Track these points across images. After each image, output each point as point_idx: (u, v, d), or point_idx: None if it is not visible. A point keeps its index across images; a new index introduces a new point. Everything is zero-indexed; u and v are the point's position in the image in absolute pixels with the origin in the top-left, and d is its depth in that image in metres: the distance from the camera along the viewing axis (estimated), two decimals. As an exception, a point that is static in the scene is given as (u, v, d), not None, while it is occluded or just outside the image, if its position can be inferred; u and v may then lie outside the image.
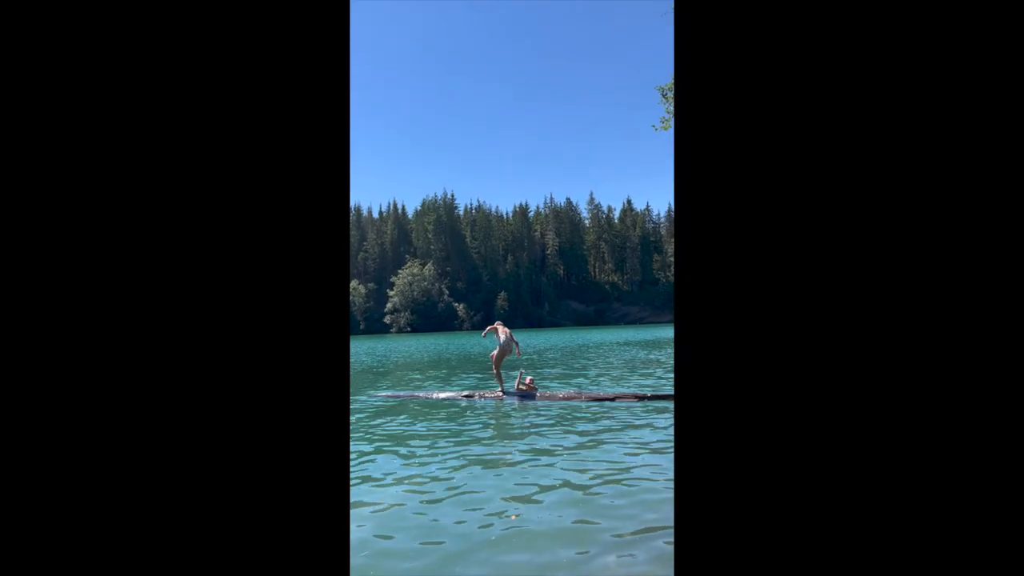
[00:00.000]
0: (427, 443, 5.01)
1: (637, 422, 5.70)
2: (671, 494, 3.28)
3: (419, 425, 5.92)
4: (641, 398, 7.17)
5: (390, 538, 2.80)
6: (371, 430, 5.71)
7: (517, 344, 8.04)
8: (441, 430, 5.61)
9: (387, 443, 5.06)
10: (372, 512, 3.20)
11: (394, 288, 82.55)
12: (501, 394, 7.64)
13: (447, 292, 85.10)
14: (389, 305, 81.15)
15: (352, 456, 4.60)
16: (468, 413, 6.60)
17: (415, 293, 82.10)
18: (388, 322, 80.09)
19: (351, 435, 5.50)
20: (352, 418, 6.43)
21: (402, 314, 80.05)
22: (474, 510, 3.18)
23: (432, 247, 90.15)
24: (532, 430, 5.45)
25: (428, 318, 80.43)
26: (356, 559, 2.52)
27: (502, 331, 7.94)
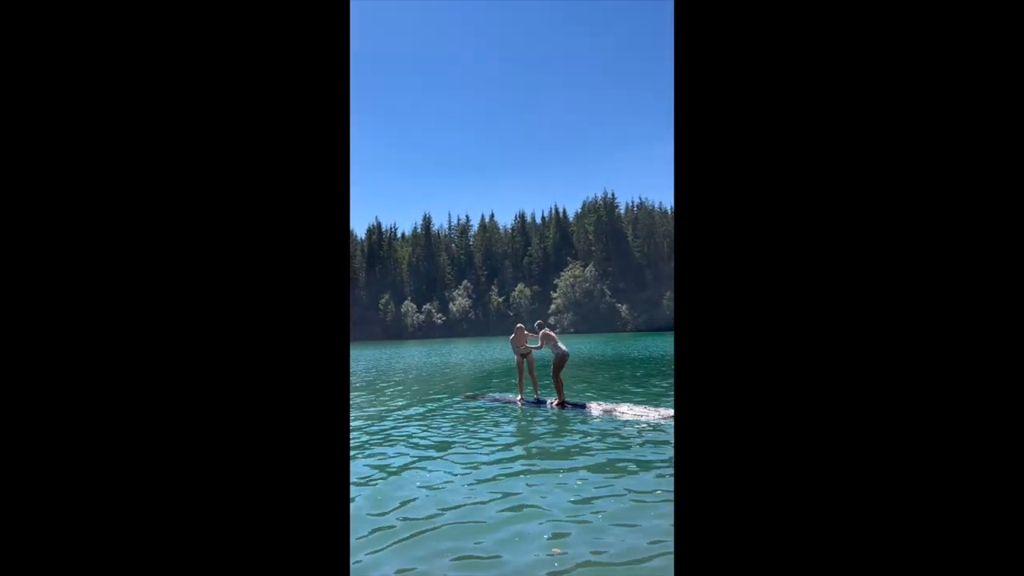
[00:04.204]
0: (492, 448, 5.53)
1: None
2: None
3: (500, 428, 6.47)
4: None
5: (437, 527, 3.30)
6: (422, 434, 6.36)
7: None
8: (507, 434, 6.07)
9: (458, 446, 5.66)
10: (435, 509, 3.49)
11: (557, 290, 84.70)
12: (560, 403, 7.54)
13: (608, 293, 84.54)
14: (552, 307, 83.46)
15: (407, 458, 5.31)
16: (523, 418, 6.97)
17: (577, 294, 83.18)
18: (552, 323, 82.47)
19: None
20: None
21: (565, 315, 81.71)
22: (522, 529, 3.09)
23: (592, 248, 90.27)
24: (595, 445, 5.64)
25: (590, 319, 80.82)
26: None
27: (552, 336, 7.73)
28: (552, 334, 7.79)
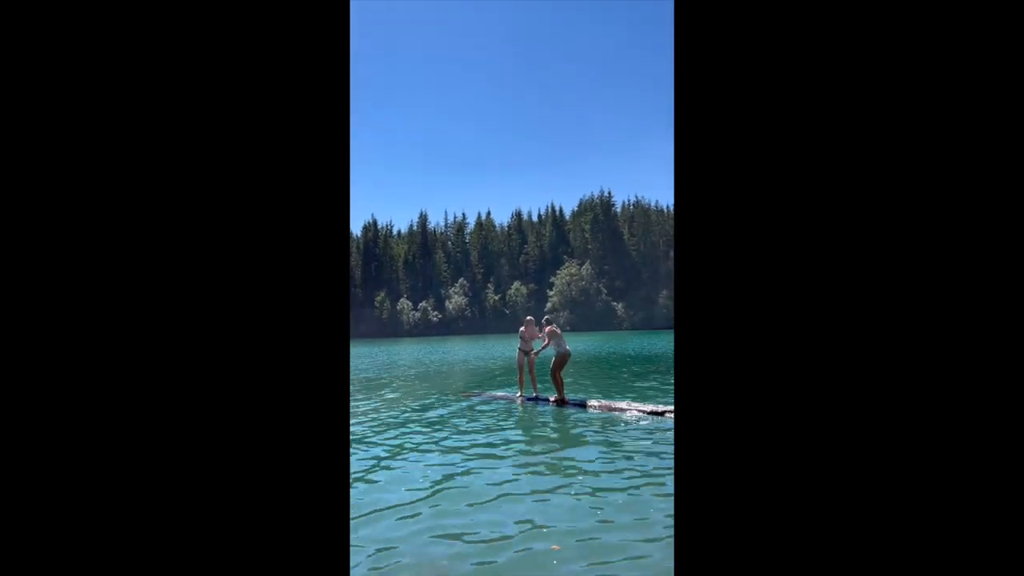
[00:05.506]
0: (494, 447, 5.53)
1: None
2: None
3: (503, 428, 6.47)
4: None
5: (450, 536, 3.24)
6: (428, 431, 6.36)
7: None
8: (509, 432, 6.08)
9: (464, 447, 5.66)
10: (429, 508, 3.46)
11: (553, 288, 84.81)
12: (561, 400, 7.56)
13: (605, 291, 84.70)
14: (549, 304, 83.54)
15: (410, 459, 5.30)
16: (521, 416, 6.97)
17: (573, 292, 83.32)
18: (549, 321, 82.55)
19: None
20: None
21: (561, 313, 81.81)
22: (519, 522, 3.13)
23: (589, 246, 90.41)
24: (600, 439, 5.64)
25: (587, 317, 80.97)
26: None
27: (558, 333, 7.72)
28: (558, 331, 7.80)
